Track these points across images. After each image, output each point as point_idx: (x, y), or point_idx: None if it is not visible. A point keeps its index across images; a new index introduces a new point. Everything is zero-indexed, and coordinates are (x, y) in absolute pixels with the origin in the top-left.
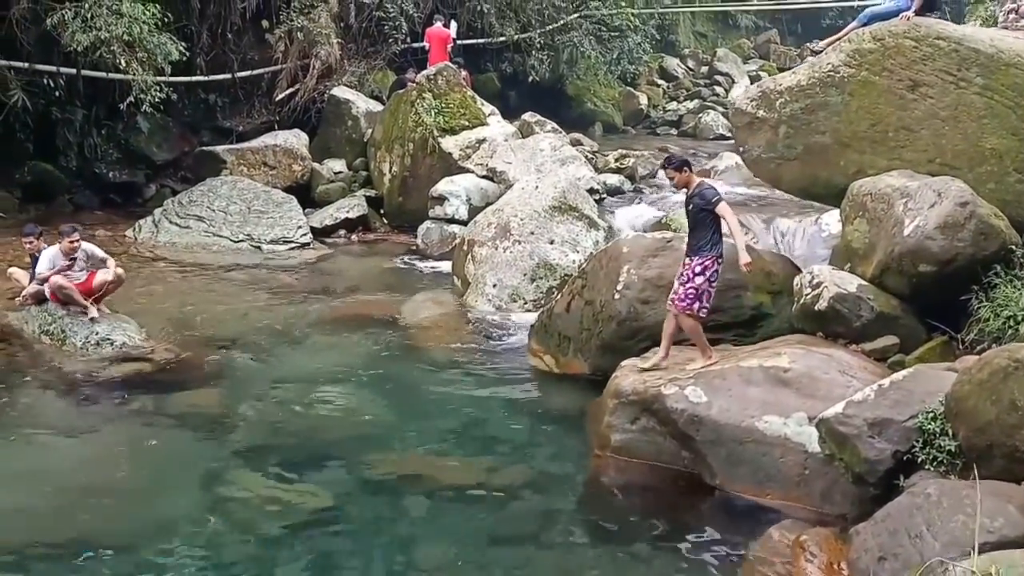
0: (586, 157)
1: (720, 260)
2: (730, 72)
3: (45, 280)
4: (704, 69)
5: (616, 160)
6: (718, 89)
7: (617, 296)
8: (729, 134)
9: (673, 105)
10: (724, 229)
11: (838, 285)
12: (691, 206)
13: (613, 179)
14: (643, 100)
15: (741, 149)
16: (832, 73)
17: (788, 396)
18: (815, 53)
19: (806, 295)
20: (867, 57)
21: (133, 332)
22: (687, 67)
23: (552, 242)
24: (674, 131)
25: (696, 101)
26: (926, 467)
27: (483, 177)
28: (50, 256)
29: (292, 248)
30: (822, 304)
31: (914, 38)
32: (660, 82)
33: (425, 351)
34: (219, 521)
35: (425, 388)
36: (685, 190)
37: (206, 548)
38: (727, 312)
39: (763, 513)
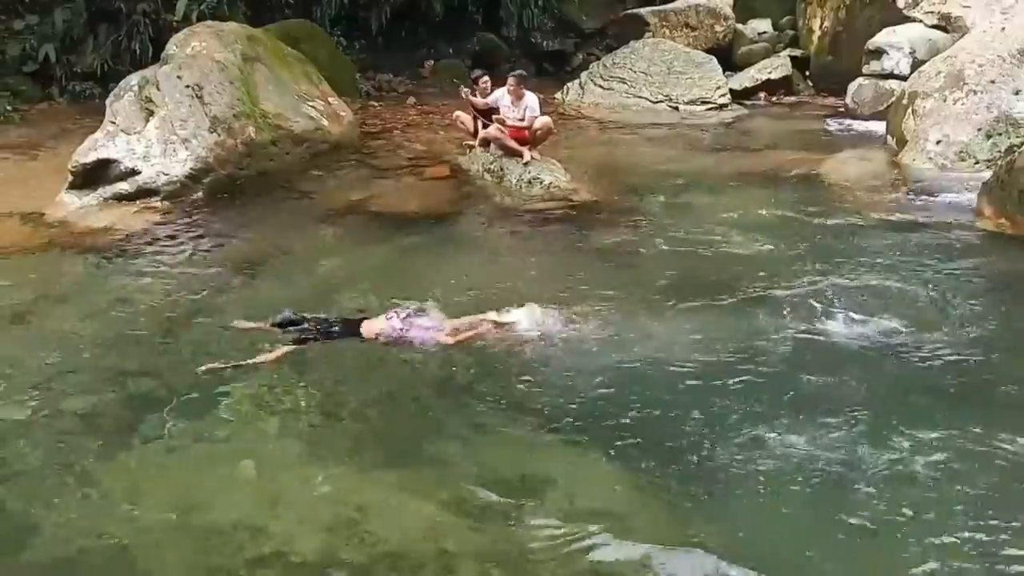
0: None
1: None
2: None
3: (494, 120)
4: None
5: None
6: None
7: None
8: None
9: None
10: None
11: None
12: None
13: None
14: None
15: None
16: None
17: None
18: None
19: None
20: None
21: (560, 175)
22: None
23: (1018, 92)
24: None
25: None
26: None
27: (933, 27)
28: (498, 96)
29: (709, 109)
30: None
31: None
32: None
33: (849, 207)
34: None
35: (848, 243)
36: None
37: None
38: None
39: None
